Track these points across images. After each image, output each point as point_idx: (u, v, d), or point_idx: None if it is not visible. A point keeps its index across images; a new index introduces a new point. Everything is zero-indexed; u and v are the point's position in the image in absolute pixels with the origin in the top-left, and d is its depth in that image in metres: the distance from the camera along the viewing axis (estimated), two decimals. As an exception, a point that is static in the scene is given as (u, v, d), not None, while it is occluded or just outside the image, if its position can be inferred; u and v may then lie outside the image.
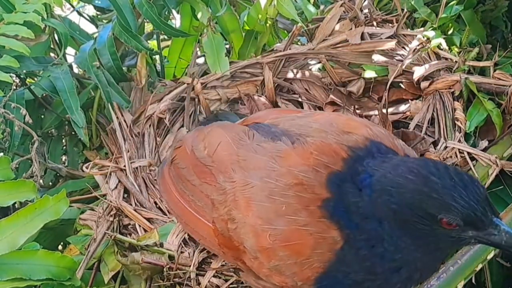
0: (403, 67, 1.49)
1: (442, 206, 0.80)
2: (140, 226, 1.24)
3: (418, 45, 1.51)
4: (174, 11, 1.72)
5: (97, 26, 1.82)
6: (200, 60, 1.78)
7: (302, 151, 0.94)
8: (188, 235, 1.19)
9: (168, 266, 1.12)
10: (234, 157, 0.99)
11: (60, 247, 1.48)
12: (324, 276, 0.87)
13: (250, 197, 0.93)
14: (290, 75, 1.62)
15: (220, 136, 1.07)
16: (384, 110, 1.44)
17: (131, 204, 1.30)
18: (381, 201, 0.84)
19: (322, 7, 1.78)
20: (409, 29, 1.62)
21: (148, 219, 1.26)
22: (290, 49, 1.63)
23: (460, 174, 0.82)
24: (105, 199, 1.31)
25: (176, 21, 1.84)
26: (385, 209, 0.84)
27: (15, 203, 1.15)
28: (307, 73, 1.62)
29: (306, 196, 0.89)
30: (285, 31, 1.84)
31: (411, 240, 0.85)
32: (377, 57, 1.54)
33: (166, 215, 1.28)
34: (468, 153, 1.29)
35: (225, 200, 0.96)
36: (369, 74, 1.54)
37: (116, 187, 1.33)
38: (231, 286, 1.11)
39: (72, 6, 1.93)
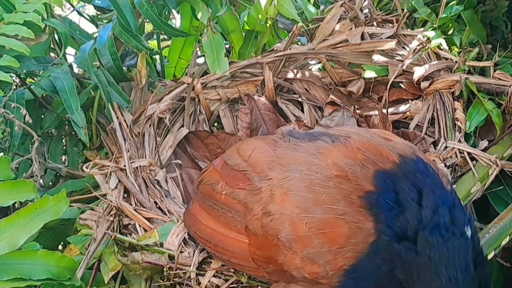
0: (403, 67, 1.49)
1: None
2: (140, 226, 1.24)
3: (418, 45, 1.51)
4: (174, 11, 1.73)
5: (97, 26, 1.82)
6: (200, 60, 1.78)
7: (345, 148, 0.95)
8: (188, 234, 1.19)
9: (168, 266, 1.12)
10: (270, 158, 1.00)
11: (60, 247, 1.48)
12: (354, 269, 0.88)
13: (288, 187, 0.93)
14: (290, 75, 1.62)
15: (254, 143, 1.09)
16: (384, 110, 1.44)
17: (131, 204, 1.30)
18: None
19: (322, 7, 1.78)
20: (409, 29, 1.62)
21: (148, 219, 1.26)
22: (290, 49, 1.63)
23: None
24: (105, 199, 1.30)
25: (176, 21, 1.84)
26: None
27: (15, 203, 1.16)
28: (307, 73, 1.62)
29: (348, 187, 0.89)
30: (285, 31, 1.84)
31: None
32: (377, 57, 1.54)
33: (166, 215, 1.28)
34: (468, 153, 1.29)
35: (260, 198, 0.97)
36: (369, 74, 1.54)
37: (116, 187, 1.33)
38: (231, 286, 1.11)
39: (72, 6, 1.94)
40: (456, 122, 1.37)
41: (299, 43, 1.77)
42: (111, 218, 1.26)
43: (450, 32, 1.60)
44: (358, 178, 0.90)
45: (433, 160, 1.29)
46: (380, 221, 0.87)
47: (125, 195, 1.33)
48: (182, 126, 1.57)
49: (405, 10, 1.64)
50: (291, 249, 0.92)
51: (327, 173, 0.92)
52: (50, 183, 1.63)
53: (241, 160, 1.07)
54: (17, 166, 1.27)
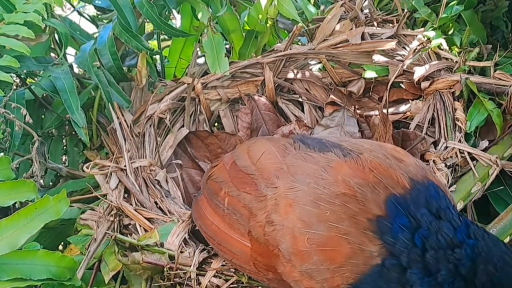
0: (404, 67, 1.49)
1: None
2: (140, 226, 1.24)
3: (419, 45, 1.52)
4: (174, 11, 1.73)
5: (97, 26, 1.82)
6: (201, 60, 1.78)
7: (356, 165, 0.93)
8: (188, 234, 1.19)
9: (168, 266, 1.12)
10: (278, 165, 0.99)
11: (60, 247, 1.48)
12: None
13: (294, 199, 0.92)
14: (290, 75, 1.62)
15: (265, 145, 1.07)
16: (384, 110, 1.44)
17: (131, 204, 1.30)
18: (481, 269, 0.83)
19: (322, 7, 1.78)
20: (409, 29, 1.62)
21: (149, 219, 1.26)
22: (290, 49, 1.63)
23: None
24: (106, 199, 1.31)
25: (177, 21, 1.84)
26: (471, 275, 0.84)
27: (15, 203, 1.15)
28: (307, 73, 1.62)
29: (355, 207, 0.88)
30: (286, 31, 1.84)
31: None
32: (377, 57, 1.54)
33: (167, 215, 1.28)
34: (469, 153, 1.29)
35: (265, 206, 0.96)
36: (370, 74, 1.54)
37: (116, 187, 1.33)
38: (231, 286, 1.11)
39: (73, 6, 1.94)
40: (456, 122, 1.37)
41: (299, 43, 1.78)
42: (112, 218, 1.26)
43: (450, 32, 1.60)
44: (366, 200, 0.88)
45: (433, 160, 1.29)
46: (392, 247, 0.85)
47: (126, 195, 1.33)
48: (183, 126, 1.58)
49: (405, 10, 1.64)
50: (290, 262, 0.91)
51: (334, 189, 0.90)
52: (51, 183, 1.63)
53: (249, 163, 1.05)
54: (18, 166, 1.27)
